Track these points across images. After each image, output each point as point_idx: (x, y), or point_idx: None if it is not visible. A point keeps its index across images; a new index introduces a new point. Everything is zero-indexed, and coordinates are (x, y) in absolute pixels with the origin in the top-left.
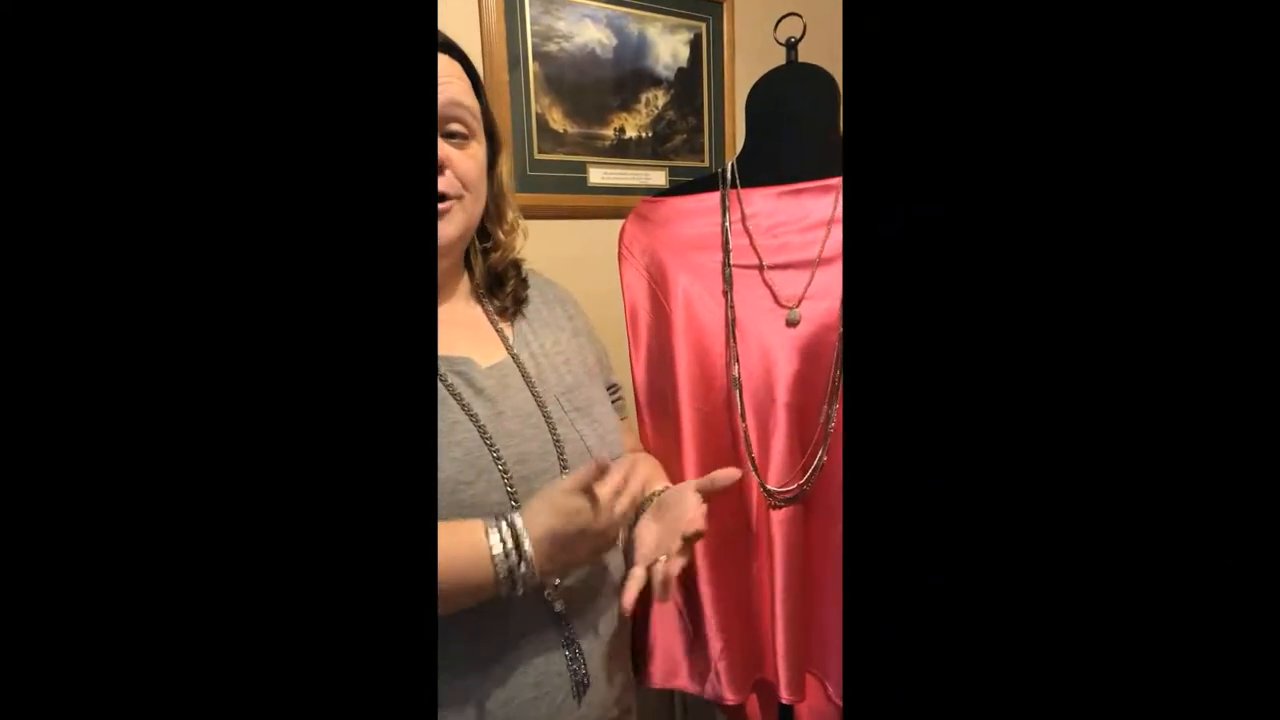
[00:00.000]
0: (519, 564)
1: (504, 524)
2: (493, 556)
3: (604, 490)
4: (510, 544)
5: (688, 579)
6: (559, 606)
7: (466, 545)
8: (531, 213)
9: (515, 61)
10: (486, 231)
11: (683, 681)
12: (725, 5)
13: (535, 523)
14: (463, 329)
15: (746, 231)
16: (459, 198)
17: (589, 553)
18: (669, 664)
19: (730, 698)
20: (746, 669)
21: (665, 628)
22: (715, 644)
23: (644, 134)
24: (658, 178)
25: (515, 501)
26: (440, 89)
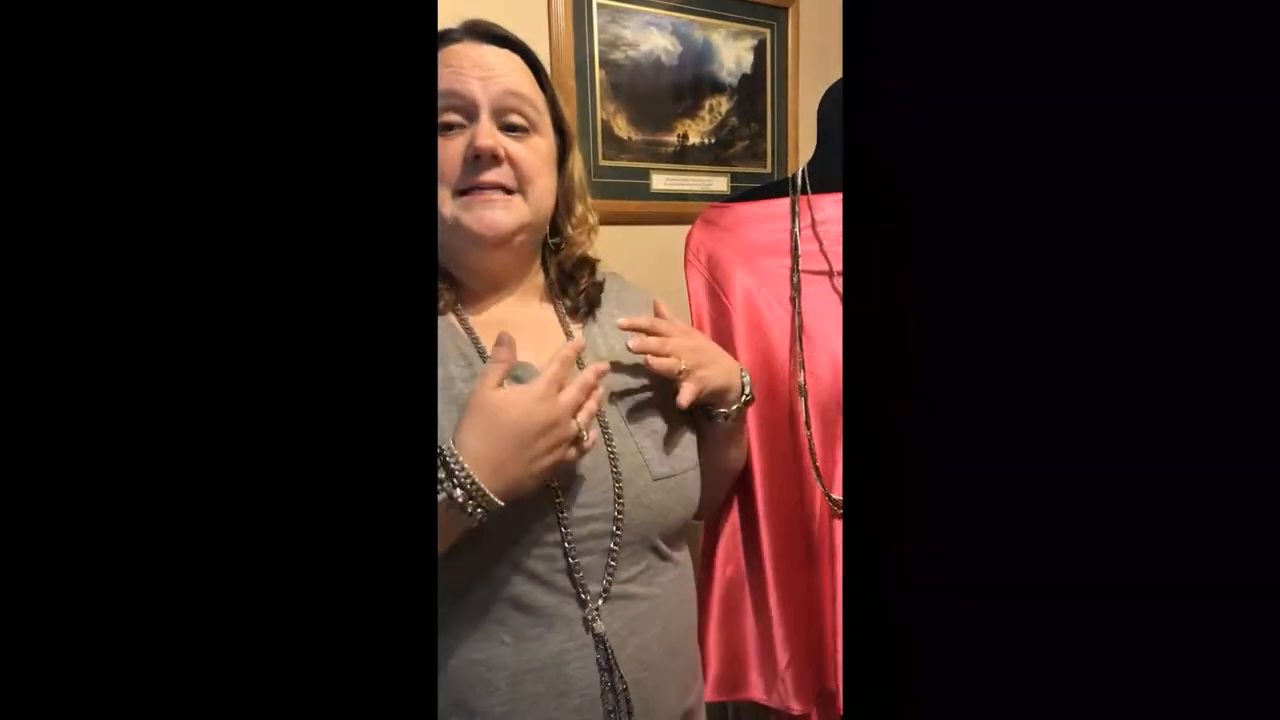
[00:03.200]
0: (454, 486)
1: (442, 458)
2: (439, 502)
3: (538, 383)
4: (441, 471)
5: (755, 587)
6: (599, 628)
7: None
8: None
9: (580, 68)
10: (557, 227)
11: (747, 691)
12: (790, 11)
13: (464, 436)
14: (528, 330)
15: (817, 237)
16: (516, 190)
17: (543, 454)
18: (731, 675)
19: (796, 707)
20: (811, 678)
21: (731, 638)
22: (783, 654)
23: (706, 140)
24: (720, 184)
25: (564, 513)
26: (494, 80)
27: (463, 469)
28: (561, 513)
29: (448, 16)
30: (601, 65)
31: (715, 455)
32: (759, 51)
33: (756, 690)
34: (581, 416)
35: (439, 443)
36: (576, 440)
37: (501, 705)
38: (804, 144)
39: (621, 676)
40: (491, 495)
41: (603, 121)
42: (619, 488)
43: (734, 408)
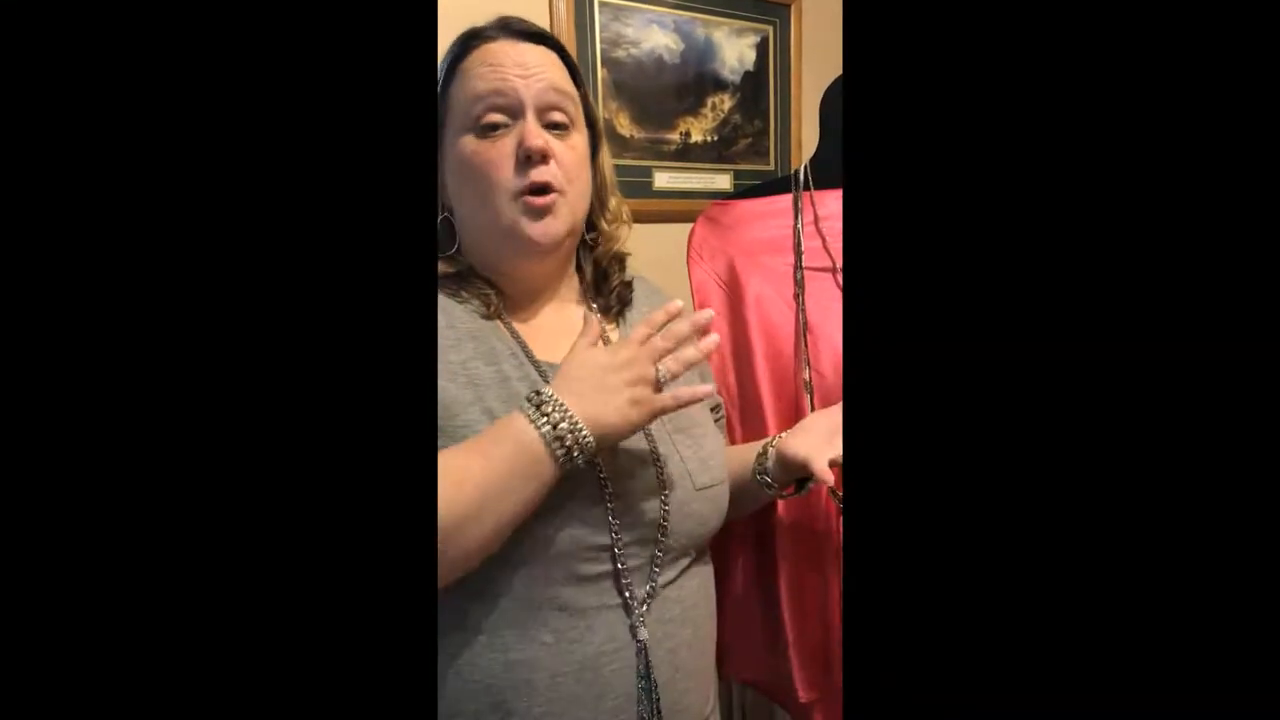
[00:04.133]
0: (552, 425)
1: (539, 399)
2: (541, 435)
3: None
4: (555, 415)
5: (765, 577)
6: (640, 631)
7: (511, 438)
8: None
9: (583, 66)
10: (591, 222)
11: (755, 673)
12: (793, 8)
13: (557, 387)
14: (567, 335)
15: (820, 234)
16: (562, 192)
17: (622, 388)
18: (740, 659)
19: (803, 695)
20: (820, 671)
21: (742, 626)
22: (791, 640)
23: (709, 138)
24: (723, 181)
25: (614, 519)
26: (536, 78)
27: (562, 407)
28: (612, 518)
29: (447, 16)
30: (604, 63)
31: (748, 502)
32: (761, 48)
33: (762, 674)
34: (667, 363)
35: (540, 393)
36: (657, 383)
37: (539, 706)
38: (807, 140)
39: (655, 679)
40: (586, 431)
41: (605, 120)
42: (665, 495)
43: (788, 492)
